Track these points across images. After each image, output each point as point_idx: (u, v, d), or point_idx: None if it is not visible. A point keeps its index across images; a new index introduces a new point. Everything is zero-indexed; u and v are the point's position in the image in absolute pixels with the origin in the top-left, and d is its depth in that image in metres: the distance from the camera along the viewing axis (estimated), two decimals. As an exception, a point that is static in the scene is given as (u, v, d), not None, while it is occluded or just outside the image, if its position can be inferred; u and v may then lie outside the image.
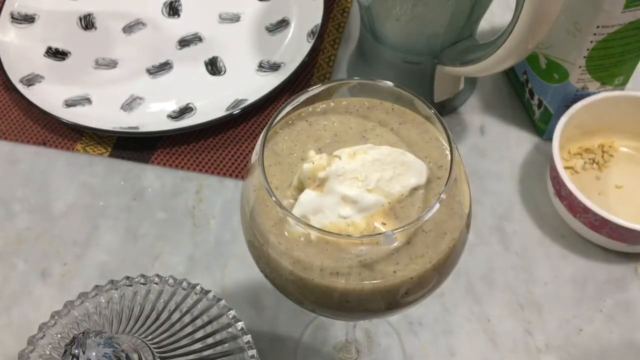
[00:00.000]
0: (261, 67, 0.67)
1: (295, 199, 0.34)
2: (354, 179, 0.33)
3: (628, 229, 0.51)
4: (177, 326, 0.41)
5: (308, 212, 0.33)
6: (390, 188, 0.34)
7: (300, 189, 0.34)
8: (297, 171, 0.35)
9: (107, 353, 0.34)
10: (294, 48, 0.67)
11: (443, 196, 0.32)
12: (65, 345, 0.34)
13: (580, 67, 0.54)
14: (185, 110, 0.64)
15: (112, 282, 0.44)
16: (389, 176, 0.34)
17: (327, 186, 0.34)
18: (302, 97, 0.37)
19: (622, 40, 0.52)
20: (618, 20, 0.50)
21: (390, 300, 0.34)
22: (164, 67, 0.68)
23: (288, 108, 0.37)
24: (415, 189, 0.34)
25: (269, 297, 0.54)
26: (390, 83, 0.37)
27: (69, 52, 0.69)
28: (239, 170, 0.62)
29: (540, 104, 0.60)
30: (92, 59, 0.68)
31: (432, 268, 0.33)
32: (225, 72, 0.67)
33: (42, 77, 0.66)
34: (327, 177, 0.34)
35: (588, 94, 0.57)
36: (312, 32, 0.67)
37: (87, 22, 0.71)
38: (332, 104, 0.38)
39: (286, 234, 0.33)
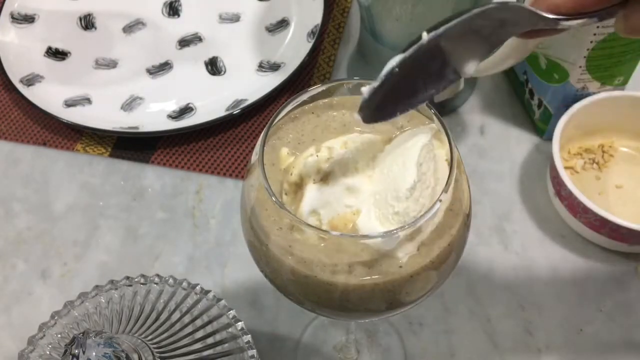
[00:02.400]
0: (261, 67, 0.67)
1: (293, 197, 0.34)
2: (355, 168, 0.33)
3: (628, 229, 0.51)
4: (177, 326, 0.41)
5: (318, 207, 0.33)
6: (393, 174, 0.33)
7: (299, 184, 0.34)
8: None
9: (107, 353, 0.34)
10: (294, 48, 0.67)
11: (443, 196, 0.32)
12: (65, 345, 0.34)
13: (580, 67, 0.54)
14: (185, 110, 0.64)
15: (112, 282, 0.44)
16: (390, 162, 0.34)
17: (331, 177, 0.34)
18: (302, 97, 0.37)
19: (622, 40, 0.52)
20: (618, 20, 0.50)
21: (391, 299, 0.34)
22: (164, 67, 0.68)
23: (288, 108, 0.37)
24: (414, 189, 0.34)
25: (269, 297, 0.54)
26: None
27: (69, 52, 0.69)
28: (239, 170, 0.62)
29: (540, 104, 0.60)
30: (92, 59, 0.68)
31: (432, 268, 0.33)
32: (225, 72, 0.67)
33: (42, 77, 0.66)
34: (331, 169, 0.34)
35: (588, 94, 0.57)
36: (312, 32, 0.67)
37: (87, 22, 0.71)
38: (334, 100, 0.38)
39: (286, 233, 0.33)
